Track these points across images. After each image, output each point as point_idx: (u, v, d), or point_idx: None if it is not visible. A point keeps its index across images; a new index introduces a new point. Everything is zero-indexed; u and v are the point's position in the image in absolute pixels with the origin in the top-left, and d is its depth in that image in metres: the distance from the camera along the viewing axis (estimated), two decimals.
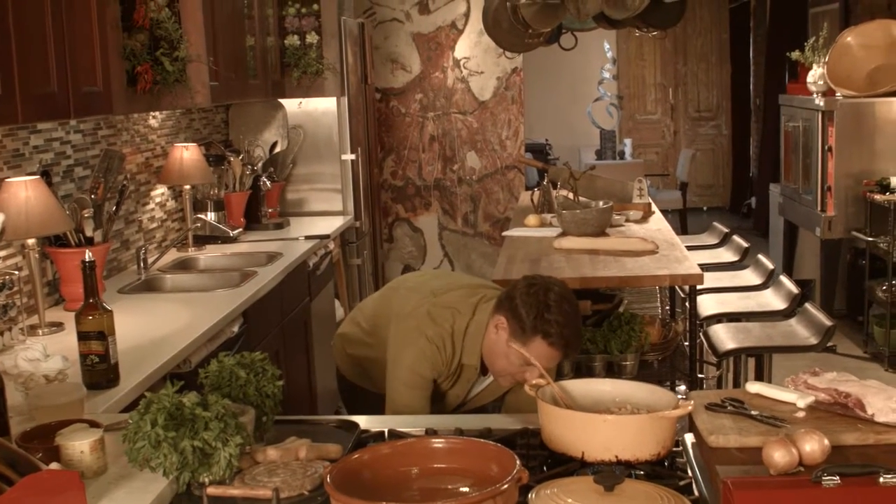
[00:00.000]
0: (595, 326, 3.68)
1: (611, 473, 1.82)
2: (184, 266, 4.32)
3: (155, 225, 4.47)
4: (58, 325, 3.17)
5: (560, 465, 2.01)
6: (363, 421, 2.30)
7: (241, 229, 4.88)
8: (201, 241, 4.64)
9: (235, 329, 3.39)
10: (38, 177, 3.10)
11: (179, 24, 3.88)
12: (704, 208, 12.22)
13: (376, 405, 2.83)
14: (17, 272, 3.11)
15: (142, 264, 3.99)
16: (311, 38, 5.43)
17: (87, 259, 2.45)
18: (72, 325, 3.18)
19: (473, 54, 7.30)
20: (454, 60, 7.32)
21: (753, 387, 2.24)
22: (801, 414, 2.09)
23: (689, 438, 2.16)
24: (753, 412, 2.09)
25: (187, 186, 4.51)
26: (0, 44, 2.52)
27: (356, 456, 1.85)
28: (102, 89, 3.14)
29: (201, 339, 3.05)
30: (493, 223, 7.44)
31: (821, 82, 6.41)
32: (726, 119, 12.28)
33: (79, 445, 1.89)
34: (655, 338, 3.61)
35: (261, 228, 5.09)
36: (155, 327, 3.12)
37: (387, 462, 1.86)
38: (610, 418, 2.01)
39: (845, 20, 7.64)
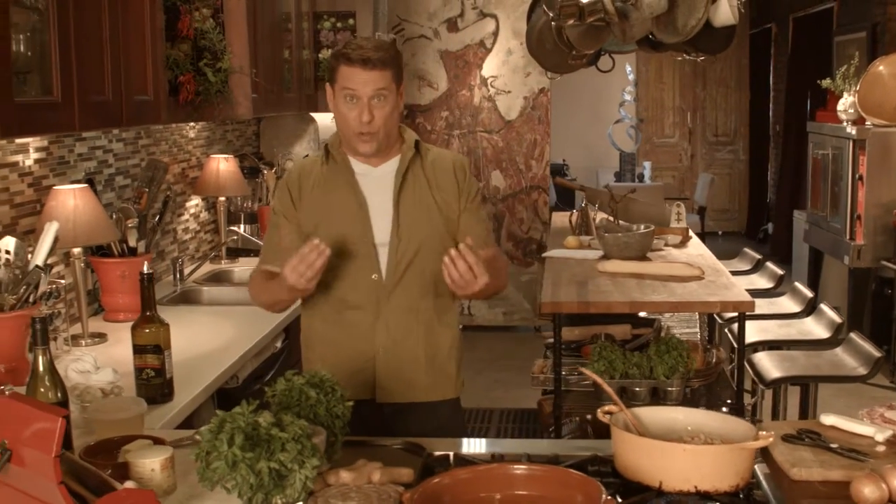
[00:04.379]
0: (636, 351, 3.64)
1: None
2: (217, 279, 4.28)
3: (189, 236, 4.43)
4: (100, 336, 3.13)
5: (634, 493, 1.95)
6: (424, 444, 2.26)
7: None
8: (233, 253, 4.60)
9: (279, 345, 3.35)
10: (86, 185, 3.07)
11: (223, 35, 3.85)
12: (720, 233, 12.18)
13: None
14: (61, 281, 3.07)
15: (178, 276, 3.95)
16: None
17: (145, 271, 2.41)
18: (114, 335, 3.17)
19: (501, 73, 7.28)
20: (481, 79, 7.30)
21: (828, 419, 2.20)
22: (881, 448, 2.05)
23: (758, 470, 2.12)
24: (833, 445, 2.05)
25: (222, 198, 4.47)
26: (61, 52, 2.49)
27: (436, 480, 1.81)
28: (153, 98, 3.11)
29: (248, 355, 3.01)
30: (517, 243, 7.40)
31: (851, 111, 6.38)
32: (744, 144, 12.25)
33: (149, 463, 1.85)
34: (698, 364, 3.56)
35: None
36: (200, 341, 3.08)
37: (467, 487, 1.82)
38: (689, 448, 1.96)
39: (872, 49, 7.61)
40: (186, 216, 4.41)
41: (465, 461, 2.11)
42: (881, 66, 6.30)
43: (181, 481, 1.93)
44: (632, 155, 10.54)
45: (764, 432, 2.02)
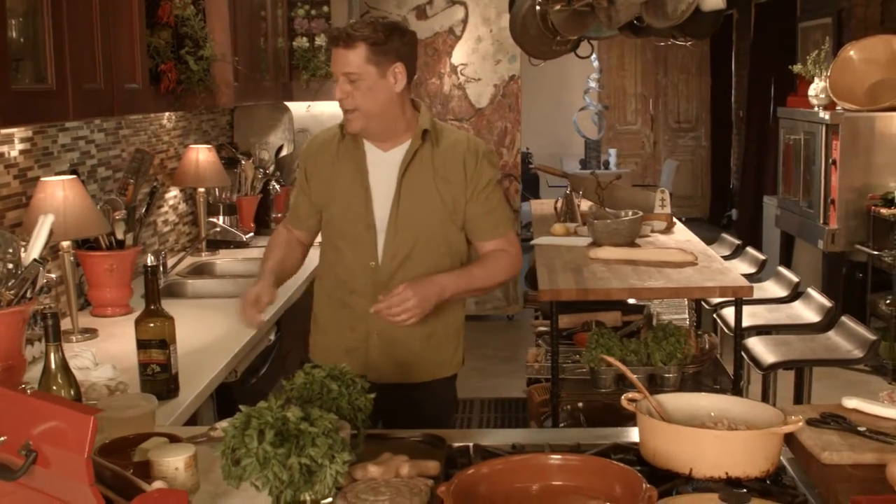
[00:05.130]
0: (628, 337, 3.62)
1: (737, 492, 1.74)
2: (199, 271, 4.20)
3: (168, 228, 4.33)
4: (91, 332, 3.04)
5: (661, 481, 1.92)
6: (442, 434, 2.21)
7: (252, 234, 4.76)
8: (213, 245, 4.51)
9: (272, 337, 3.28)
10: (74, 176, 2.98)
11: (205, 22, 3.77)
12: (683, 219, 12.20)
13: None
14: (51, 275, 2.98)
15: (161, 269, 3.86)
16: (321, 40, 5.32)
17: (150, 263, 2.34)
18: (105, 331, 3.09)
19: (471, 61, 7.23)
20: (451, 67, 7.24)
21: (850, 402, 2.18)
22: None
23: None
24: (860, 428, 2.04)
25: (201, 189, 4.38)
26: (55, 38, 2.40)
27: (471, 471, 1.77)
28: (141, 87, 3.03)
29: (247, 348, 2.94)
30: None
31: (822, 95, 6.42)
32: (706, 130, 12.32)
33: (173, 462, 1.78)
34: (694, 350, 3.55)
35: (270, 233, 4.95)
36: (195, 335, 3.00)
37: (502, 478, 1.78)
38: (721, 434, 1.93)
39: (838, 34, 7.67)
40: (166, 208, 4.32)
41: (486, 452, 2.07)
42: (851, 52, 6.35)
43: (202, 479, 1.87)
44: (597, 142, 10.54)
45: (793, 416, 2.01)
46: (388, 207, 2.63)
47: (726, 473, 1.89)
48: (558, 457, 1.83)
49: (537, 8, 4.13)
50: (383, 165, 2.65)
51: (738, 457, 1.90)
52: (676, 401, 2.16)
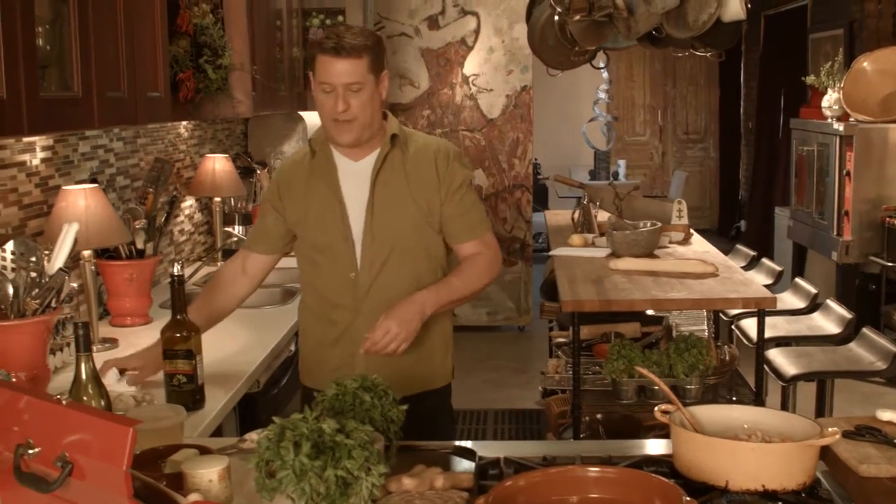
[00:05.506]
0: (648, 348, 3.60)
1: None
2: None
3: (184, 238, 4.32)
4: (111, 342, 3.02)
5: (696, 493, 1.90)
6: (472, 445, 2.19)
7: None
8: (228, 255, 4.48)
9: (293, 348, 3.26)
10: (96, 185, 2.96)
11: (224, 31, 3.76)
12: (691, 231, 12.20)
13: None
14: (73, 285, 2.96)
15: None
16: None
17: (176, 273, 2.32)
18: (125, 340, 3.07)
19: (482, 71, 7.23)
20: (463, 77, 7.24)
21: (885, 414, 2.16)
22: None
23: None
24: None
25: (217, 199, 4.37)
26: (81, 45, 2.39)
27: (509, 483, 1.75)
28: (163, 95, 3.01)
29: (269, 358, 2.92)
30: (500, 242, 7.31)
31: (836, 107, 6.40)
32: (714, 142, 12.31)
33: (206, 474, 1.76)
34: (715, 361, 3.53)
35: None
36: (216, 345, 2.97)
37: (540, 490, 1.75)
38: (757, 446, 1.91)
39: (850, 45, 7.66)
40: (182, 217, 4.30)
41: (518, 465, 2.05)
42: (865, 63, 6.34)
43: (234, 492, 1.85)
44: (606, 153, 10.52)
45: (829, 429, 1.98)
46: (363, 215, 2.63)
47: (763, 486, 1.87)
48: (596, 469, 1.81)
49: (556, 18, 4.12)
50: (355, 175, 2.64)
51: (776, 469, 1.88)
52: (709, 412, 2.14)
